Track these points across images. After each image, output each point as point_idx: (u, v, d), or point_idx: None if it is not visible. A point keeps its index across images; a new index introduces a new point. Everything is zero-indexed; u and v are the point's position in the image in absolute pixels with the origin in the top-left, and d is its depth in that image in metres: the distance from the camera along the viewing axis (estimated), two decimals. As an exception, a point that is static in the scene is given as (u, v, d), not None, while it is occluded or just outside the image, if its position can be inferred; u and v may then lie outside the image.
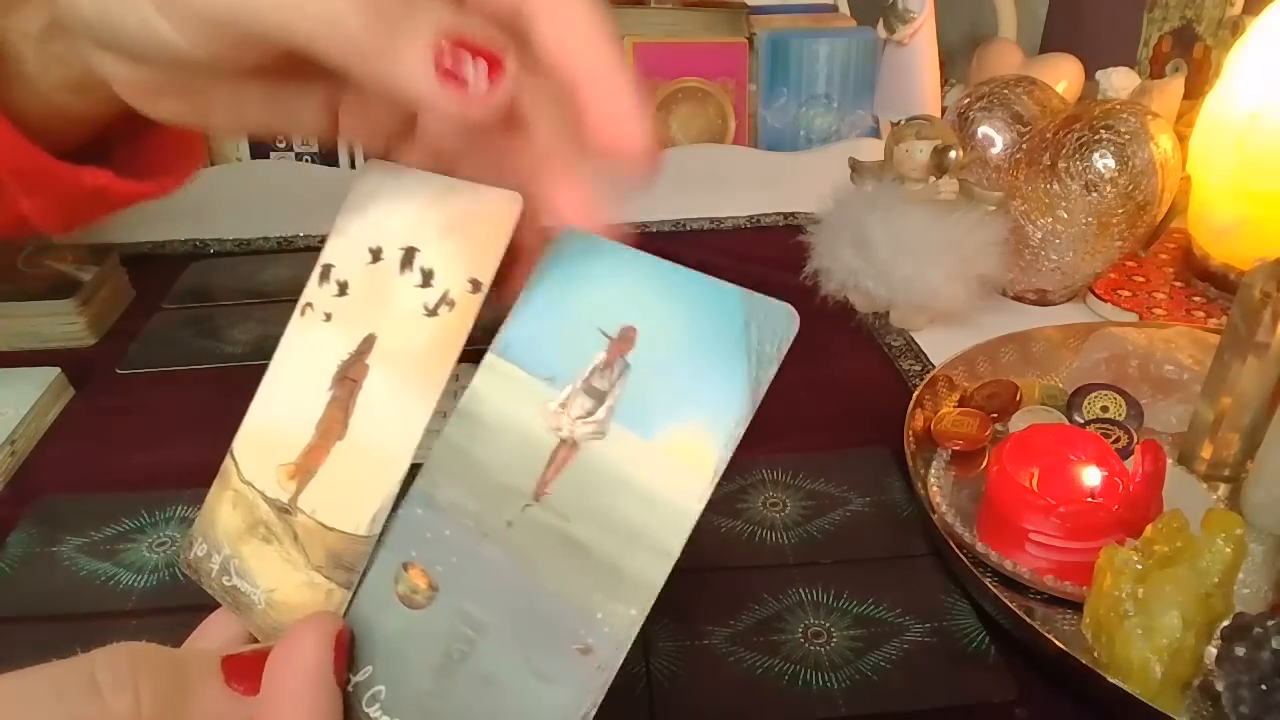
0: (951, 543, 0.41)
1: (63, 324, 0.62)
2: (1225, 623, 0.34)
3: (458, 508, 0.23)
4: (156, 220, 0.77)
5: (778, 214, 0.81)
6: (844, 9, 0.92)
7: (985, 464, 0.48)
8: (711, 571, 0.41)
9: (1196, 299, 0.66)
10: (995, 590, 0.38)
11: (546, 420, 0.23)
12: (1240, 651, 0.32)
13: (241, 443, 0.27)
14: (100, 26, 0.23)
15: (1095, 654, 0.36)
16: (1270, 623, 0.32)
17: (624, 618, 0.21)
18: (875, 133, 0.87)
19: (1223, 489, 0.47)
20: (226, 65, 0.24)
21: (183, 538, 0.43)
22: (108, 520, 0.45)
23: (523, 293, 0.24)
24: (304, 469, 0.26)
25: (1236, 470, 0.47)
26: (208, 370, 0.59)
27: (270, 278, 0.70)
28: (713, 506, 0.44)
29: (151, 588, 0.42)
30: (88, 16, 0.23)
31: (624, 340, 0.22)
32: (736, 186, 0.83)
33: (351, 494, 0.25)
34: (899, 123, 0.62)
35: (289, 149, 0.79)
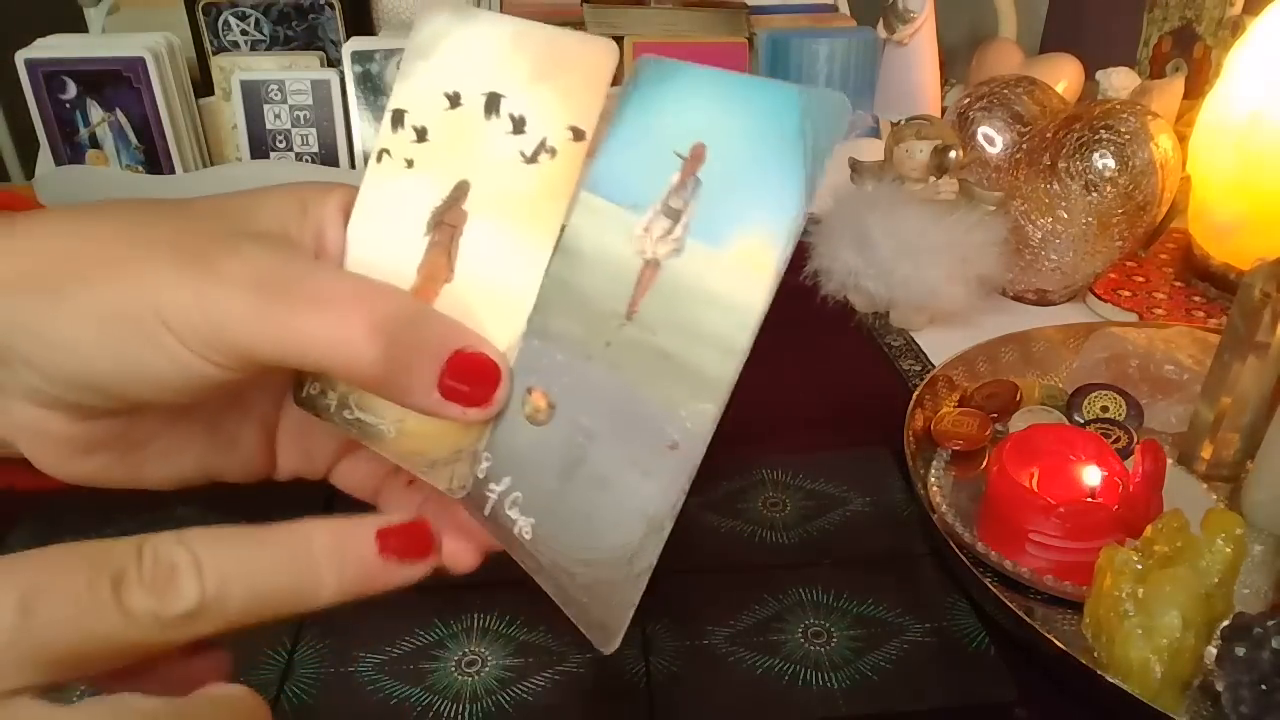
0: (951, 543, 0.41)
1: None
2: (1225, 623, 0.34)
3: (566, 335, 0.25)
4: (156, 220, 0.77)
5: (778, 214, 0.81)
6: (844, 9, 0.92)
7: (985, 464, 0.48)
8: (711, 572, 0.41)
9: (1196, 299, 0.66)
10: (995, 590, 0.38)
11: (632, 244, 0.24)
12: (1240, 651, 0.32)
13: None
14: (97, 372, 0.23)
15: (1095, 654, 0.36)
16: (1270, 623, 0.32)
17: (703, 413, 0.23)
18: (875, 133, 0.87)
19: (1223, 489, 0.47)
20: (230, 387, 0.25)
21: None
22: (107, 520, 0.45)
23: (607, 128, 0.25)
24: None
25: (1236, 470, 0.47)
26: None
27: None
28: (713, 506, 0.45)
29: (151, 588, 0.42)
30: (81, 365, 0.23)
31: (695, 159, 0.23)
32: (736, 186, 0.82)
33: (474, 329, 0.26)
34: (899, 123, 0.62)
35: (289, 149, 0.79)
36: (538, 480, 0.25)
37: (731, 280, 0.22)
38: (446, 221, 0.27)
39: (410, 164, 0.27)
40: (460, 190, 0.27)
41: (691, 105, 0.24)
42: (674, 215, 0.23)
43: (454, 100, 0.27)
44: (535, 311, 0.26)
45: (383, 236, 0.28)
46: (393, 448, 0.28)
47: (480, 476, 0.27)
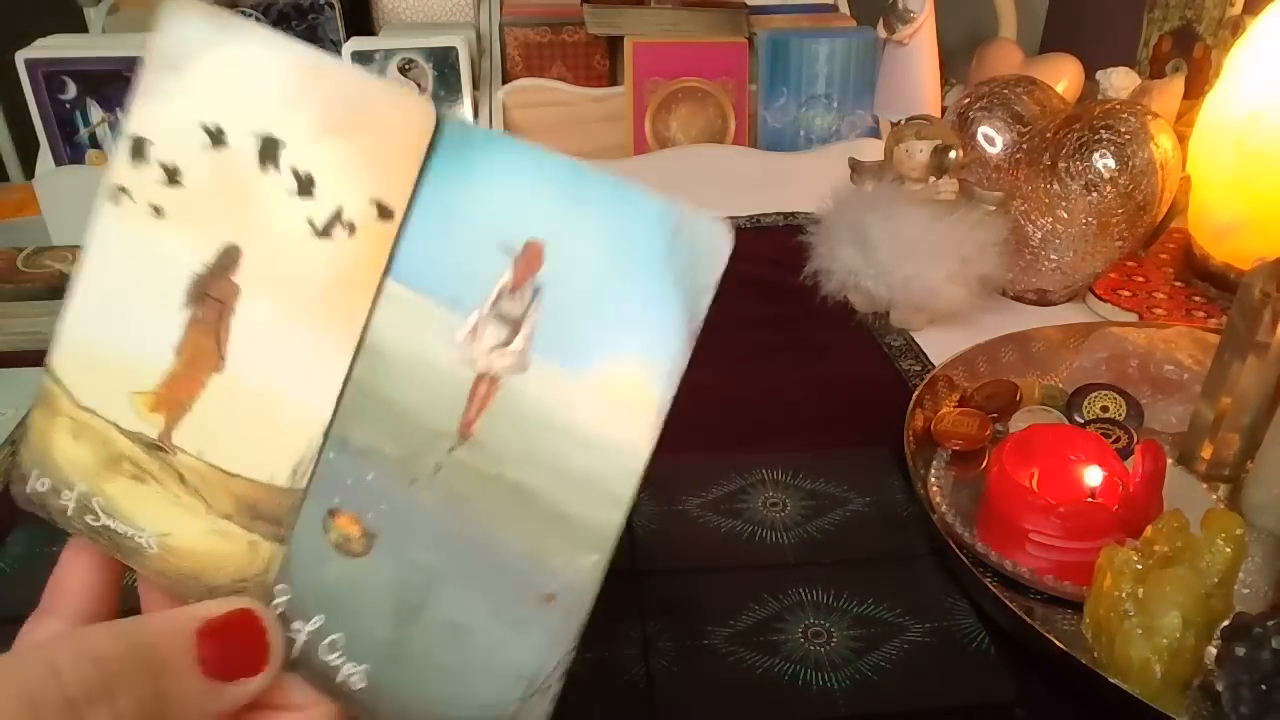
0: (951, 543, 0.41)
1: (62, 324, 0.61)
2: (1225, 623, 0.34)
3: (375, 451, 0.22)
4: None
5: (778, 214, 0.81)
6: (844, 9, 0.92)
7: (985, 464, 0.48)
8: (711, 571, 0.41)
9: (1196, 299, 0.66)
10: (995, 590, 0.38)
11: (456, 351, 0.21)
12: (1240, 651, 0.32)
13: (65, 362, 0.24)
14: None
15: (1095, 654, 0.36)
16: (1270, 623, 0.32)
17: (584, 565, 0.20)
18: (875, 133, 0.87)
19: (1223, 489, 0.47)
20: None
21: None
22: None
23: (410, 202, 0.21)
24: (170, 401, 0.23)
25: (1236, 470, 0.47)
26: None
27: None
28: (713, 506, 0.45)
29: (151, 588, 0.42)
30: None
31: (530, 258, 0.20)
32: (736, 186, 0.83)
33: (253, 438, 0.22)
34: (899, 123, 0.62)
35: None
36: (366, 622, 0.22)
37: (604, 417, 0.19)
38: (212, 295, 0.22)
39: (158, 212, 0.22)
40: (229, 257, 0.22)
41: (518, 191, 0.20)
42: (511, 324, 0.20)
43: (215, 137, 0.22)
44: (334, 420, 0.22)
45: (123, 303, 0.23)
46: (156, 565, 0.23)
47: (279, 611, 0.23)
